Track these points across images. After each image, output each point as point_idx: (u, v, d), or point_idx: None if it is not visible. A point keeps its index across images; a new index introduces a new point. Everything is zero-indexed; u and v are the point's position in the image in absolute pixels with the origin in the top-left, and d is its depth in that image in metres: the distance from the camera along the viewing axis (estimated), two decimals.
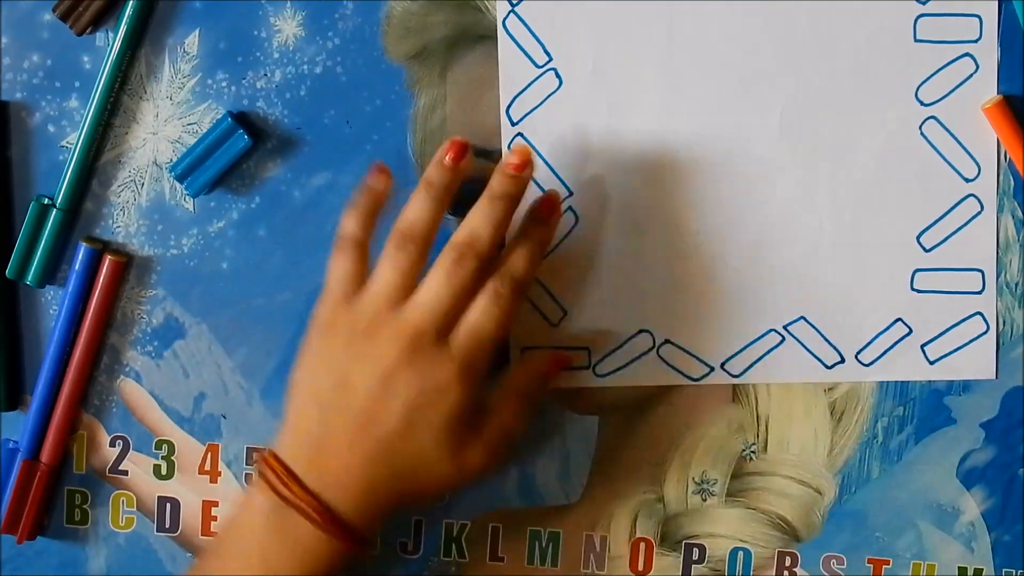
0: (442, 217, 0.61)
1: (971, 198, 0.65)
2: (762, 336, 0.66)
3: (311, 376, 0.61)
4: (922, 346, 0.66)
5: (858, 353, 0.66)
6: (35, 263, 0.66)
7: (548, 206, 0.63)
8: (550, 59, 0.65)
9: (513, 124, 0.65)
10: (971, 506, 0.67)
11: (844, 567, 0.68)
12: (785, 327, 0.66)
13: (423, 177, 0.61)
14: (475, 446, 0.61)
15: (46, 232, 0.66)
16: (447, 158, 0.61)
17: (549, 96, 0.65)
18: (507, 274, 0.61)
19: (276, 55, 0.65)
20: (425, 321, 0.60)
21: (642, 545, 0.69)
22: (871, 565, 0.68)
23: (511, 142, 0.65)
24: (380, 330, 0.60)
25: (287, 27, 0.65)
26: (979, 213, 0.65)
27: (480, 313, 0.60)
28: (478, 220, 0.61)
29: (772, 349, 0.66)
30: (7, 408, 0.67)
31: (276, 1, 0.64)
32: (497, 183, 0.62)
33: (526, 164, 0.62)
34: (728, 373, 0.67)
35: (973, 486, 0.67)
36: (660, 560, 0.69)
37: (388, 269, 0.60)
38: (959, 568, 0.68)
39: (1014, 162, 0.64)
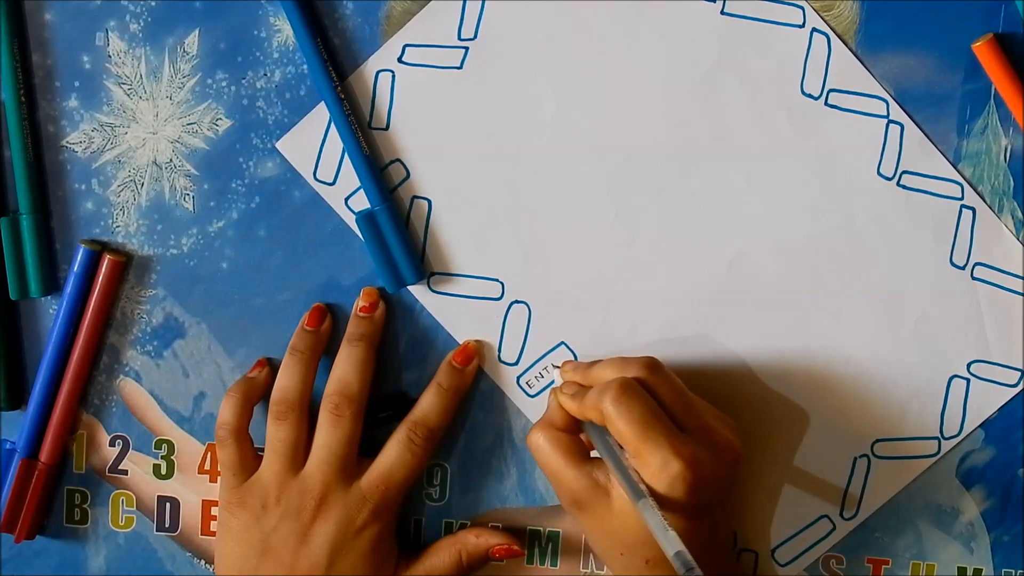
0: (313, 379, 0.65)
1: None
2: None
3: (232, 554, 0.64)
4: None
5: None
6: (31, 275, 0.66)
7: (464, 356, 0.66)
8: None
9: None
10: (970, 506, 0.67)
11: (843, 567, 0.68)
12: None
13: (289, 346, 0.66)
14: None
15: (26, 242, 0.66)
16: (306, 325, 0.66)
17: None
18: (421, 423, 0.65)
19: (276, 55, 0.65)
20: (327, 474, 0.63)
21: None
22: (870, 565, 0.68)
23: None
24: (289, 493, 0.64)
25: (287, 27, 0.65)
26: None
27: (393, 459, 0.64)
28: (344, 367, 0.65)
29: None
30: (10, 408, 0.67)
31: (276, 1, 0.64)
32: (354, 324, 0.65)
33: (374, 305, 0.65)
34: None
35: (972, 486, 0.67)
36: None
37: (276, 442, 0.65)
38: (958, 568, 0.68)
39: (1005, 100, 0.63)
